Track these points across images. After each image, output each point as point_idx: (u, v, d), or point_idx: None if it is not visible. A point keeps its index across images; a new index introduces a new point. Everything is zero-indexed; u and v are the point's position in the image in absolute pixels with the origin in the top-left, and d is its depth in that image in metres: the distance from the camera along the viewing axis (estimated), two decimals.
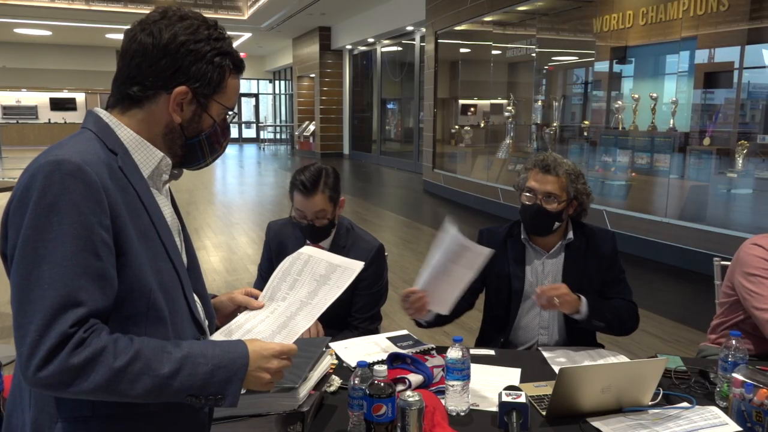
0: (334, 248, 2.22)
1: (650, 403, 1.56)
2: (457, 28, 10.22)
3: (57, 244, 0.95)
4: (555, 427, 1.47)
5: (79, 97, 22.45)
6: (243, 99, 25.96)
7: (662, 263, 5.82)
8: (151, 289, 1.06)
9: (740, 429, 1.44)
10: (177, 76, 1.10)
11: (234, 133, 25.60)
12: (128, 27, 1.13)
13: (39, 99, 21.90)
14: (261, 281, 2.37)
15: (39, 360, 0.93)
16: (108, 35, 18.28)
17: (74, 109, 22.33)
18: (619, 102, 7.18)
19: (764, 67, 5.75)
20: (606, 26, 7.09)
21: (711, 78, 6.25)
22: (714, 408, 1.54)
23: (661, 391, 1.59)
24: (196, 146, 1.19)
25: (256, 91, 25.86)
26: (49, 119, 21.85)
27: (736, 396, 1.48)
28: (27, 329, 0.94)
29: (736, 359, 1.57)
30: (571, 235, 2.12)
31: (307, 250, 1.45)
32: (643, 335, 3.91)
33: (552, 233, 2.10)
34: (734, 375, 1.49)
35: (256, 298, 1.36)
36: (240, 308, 1.35)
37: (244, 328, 1.29)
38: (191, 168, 1.25)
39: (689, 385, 1.69)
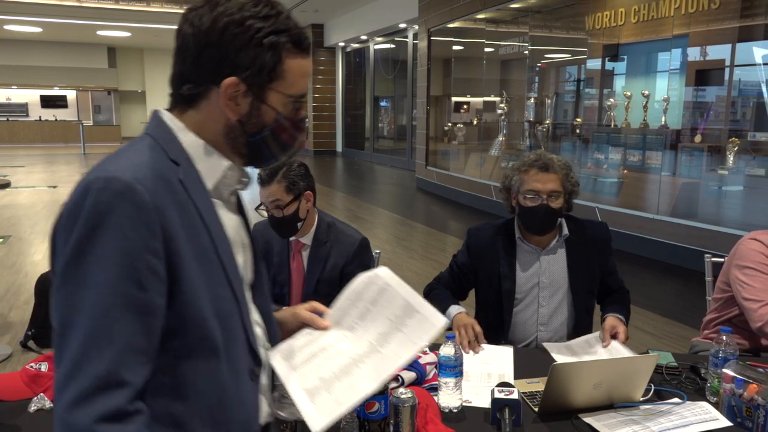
0: (315, 244, 2.23)
1: (642, 398, 1.57)
2: (450, 25, 10.22)
3: (97, 269, 0.86)
4: (547, 423, 1.47)
5: (70, 95, 22.30)
6: None
7: (654, 260, 5.85)
8: (205, 318, 0.96)
9: (730, 424, 1.45)
10: (223, 67, 0.97)
11: None
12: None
13: (29, 96, 21.73)
14: None
15: (69, 400, 0.85)
16: (99, 32, 18.16)
17: (65, 106, 22.18)
18: (612, 99, 7.21)
19: (755, 65, 5.78)
20: (598, 24, 7.11)
21: (702, 75, 6.28)
22: (705, 403, 1.55)
23: (653, 387, 1.60)
24: (260, 144, 1.04)
25: None
26: (40, 117, 21.69)
27: (726, 391, 1.49)
28: (62, 356, 0.87)
29: (726, 355, 1.58)
30: (566, 230, 2.13)
31: (385, 274, 1.25)
32: (634, 331, 3.93)
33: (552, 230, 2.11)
34: (724, 370, 1.51)
35: (321, 315, 1.21)
36: (304, 324, 1.21)
37: (305, 351, 1.15)
38: (261, 167, 1.12)
39: (680, 381, 1.70)
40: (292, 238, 2.27)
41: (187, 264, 0.94)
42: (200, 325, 0.96)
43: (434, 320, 1.14)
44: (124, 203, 0.88)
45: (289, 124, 1.04)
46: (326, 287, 2.22)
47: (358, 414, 1.38)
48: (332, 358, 1.12)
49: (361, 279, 1.24)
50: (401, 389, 1.37)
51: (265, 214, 2.19)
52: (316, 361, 1.12)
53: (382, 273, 1.24)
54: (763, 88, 5.66)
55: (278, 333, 1.18)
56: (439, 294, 2.18)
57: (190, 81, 0.99)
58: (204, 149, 1.02)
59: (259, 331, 1.12)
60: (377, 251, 2.45)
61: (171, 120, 1.01)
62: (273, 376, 1.15)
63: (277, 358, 1.14)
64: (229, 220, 1.06)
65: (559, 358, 1.84)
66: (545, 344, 2.00)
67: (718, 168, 5.81)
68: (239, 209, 1.14)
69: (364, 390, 1.06)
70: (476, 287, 2.23)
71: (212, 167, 1.02)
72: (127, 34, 18.42)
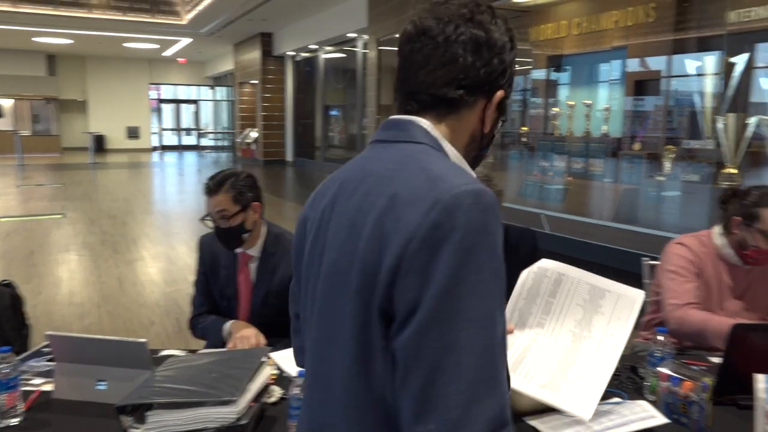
0: (264, 255, 2.21)
1: None
2: (399, 35, 10.32)
3: (474, 299, 0.75)
4: None
5: (7, 104, 21.37)
6: (182, 105, 25.38)
7: (598, 264, 6.02)
8: None
9: (668, 421, 1.51)
10: (500, 79, 0.94)
11: (174, 140, 25.05)
12: (428, 18, 0.94)
13: None
14: (200, 297, 2.33)
15: None
16: (35, 39, 17.51)
17: (1, 115, 21.25)
18: (556, 109, 7.42)
19: (689, 75, 6.07)
20: (542, 35, 7.32)
21: (641, 86, 6.55)
22: (644, 402, 1.60)
23: None
24: (484, 156, 1.01)
25: (196, 98, 25.34)
26: None
27: (663, 389, 1.55)
28: (437, 404, 0.74)
29: (663, 354, 1.64)
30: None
31: (553, 265, 1.19)
32: None
33: None
34: (661, 369, 1.56)
35: None
36: None
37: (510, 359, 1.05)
38: None
39: (621, 381, 1.75)
40: (239, 250, 2.24)
41: None
42: None
43: (632, 294, 1.14)
44: (495, 220, 0.79)
45: None
46: (275, 299, 2.20)
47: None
48: (542, 354, 1.07)
49: (528, 276, 1.18)
50: None
51: (211, 224, 2.16)
52: (527, 362, 1.07)
53: (547, 265, 1.19)
54: (696, 98, 5.94)
55: None
56: None
57: (465, 86, 0.91)
58: (460, 161, 0.94)
59: None
60: None
61: (431, 128, 0.92)
62: None
63: None
64: None
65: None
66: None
67: (656, 174, 6.05)
68: None
69: (606, 372, 1.06)
70: None
71: None
72: (69, 41, 17.85)
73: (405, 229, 0.78)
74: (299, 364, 1.10)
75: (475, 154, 0.98)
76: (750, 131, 5.15)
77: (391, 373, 0.80)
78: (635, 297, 1.15)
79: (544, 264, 1.20)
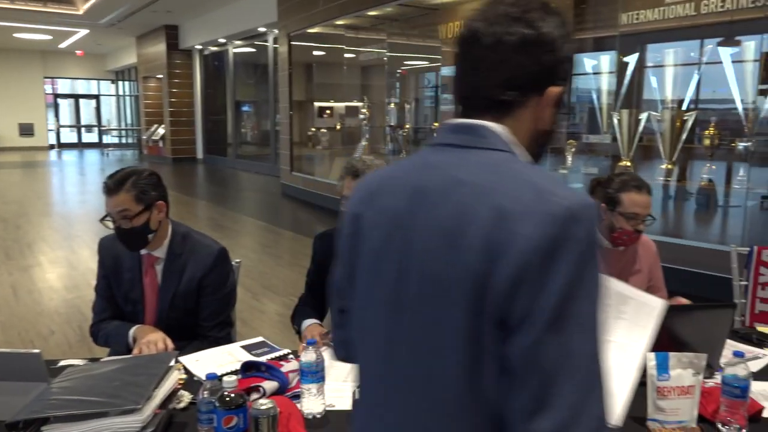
0: (170, 256, 2.13)
1: None
2: (310, 30, 10.24)
3: (586, 305, 0.80)
4: None
5: None
6: (82, 101, 23.98)
7: None
8: None
9: None
10: (553, 75, 0.93)
11: (73, 137, 23.60)
12: (478, 20, 0.92)
13: None
14: (102, 302, 2.21)
15: None
16: None
17: None
18: None
19: (587, 74, 6.41)
20: (450, 33, 7.49)
21: None
22: None
23: None
24: (545, 152, 1.01)
25: (96, 92, 24.00)
26: None
27: None
28: (551, 404, 0.78)
29: None
30: None
31: None
32: None
33: None
34: None
35: None
36: None
37: None
38: None
39: None
40: (143, 252, 2.14)
41: None
42: None
43: (652, 303, 1.18)
44: (596, 230, 0.82)
45: None
46: (182, 301, 2.12)
47: (216, 430, 1.33)
48: None
49: None
50: (261, 400, 1.34)
51: (111, 225, 2.05)
52: None
53: None
54: (594, 96, 6.29)
55: None
56: (299, 315, 2.24)
57: (518, 87, 0.91)
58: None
59: None
60: (237, 260, 2.39)
61: (504, 134, 0.91)
62: None
63: None
64: None
65: None
66: None
67: (560, 167, 6.35)
68: None
69: (630, 377, 1.08)
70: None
71: None
72: None
73: (521, 242, 0.79)
74: (341, 357, 1.13)
75: (535, 151, 0.97)
76: (641, 126, 5.51)
77: (499, 376, 0.82)
78: (656, 305, 1.19)
79: None
